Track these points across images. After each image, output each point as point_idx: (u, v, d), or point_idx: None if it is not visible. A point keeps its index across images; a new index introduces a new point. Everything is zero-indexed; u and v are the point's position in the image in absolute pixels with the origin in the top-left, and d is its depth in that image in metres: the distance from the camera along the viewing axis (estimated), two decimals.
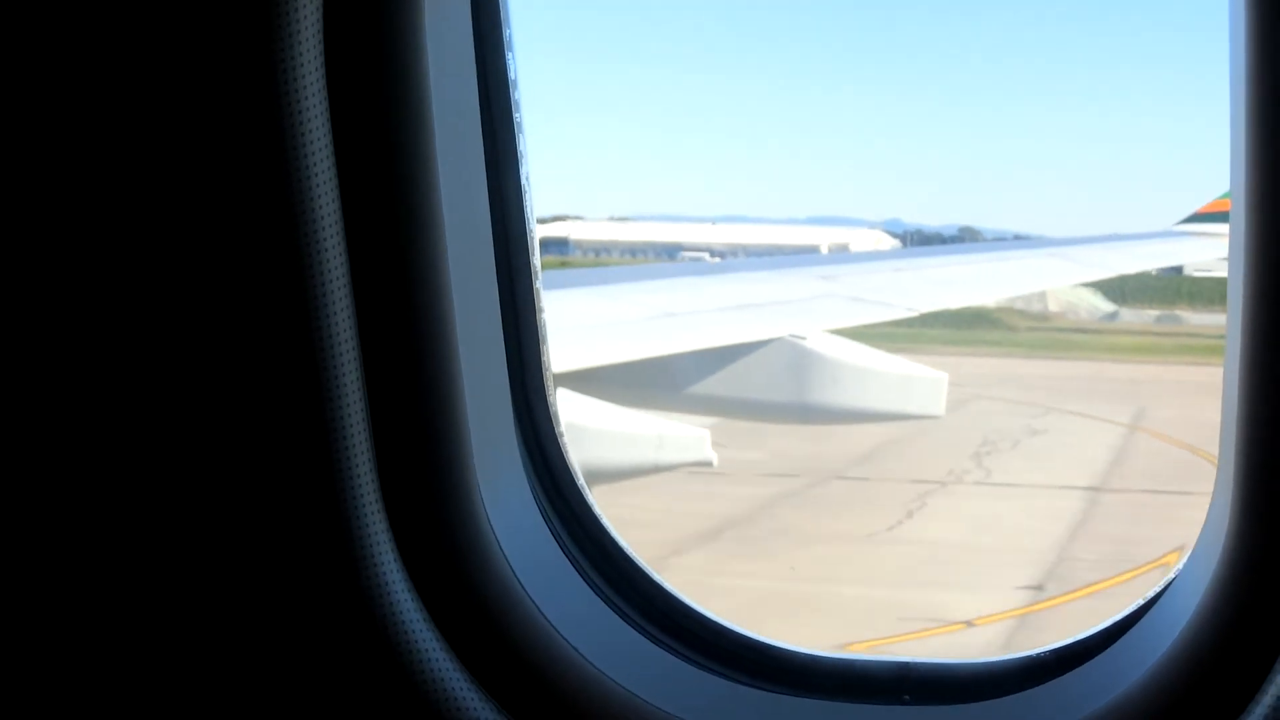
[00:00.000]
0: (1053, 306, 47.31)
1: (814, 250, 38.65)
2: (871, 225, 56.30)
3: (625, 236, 55.40)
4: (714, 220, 58.02)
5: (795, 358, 15.79)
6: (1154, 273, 47.24)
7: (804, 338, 15.86)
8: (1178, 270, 44.54)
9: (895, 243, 46.88)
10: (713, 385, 15.62)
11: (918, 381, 16.94)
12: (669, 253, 48.88)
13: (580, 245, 54.30)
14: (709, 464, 16.04)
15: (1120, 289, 48.82)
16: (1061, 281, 28.98)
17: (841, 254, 33.44)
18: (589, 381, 13.39)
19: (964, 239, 46.75)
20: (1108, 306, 48.11)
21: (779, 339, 15.71)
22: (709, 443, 15.63)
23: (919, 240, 49.10)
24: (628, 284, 17.12)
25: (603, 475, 13.02)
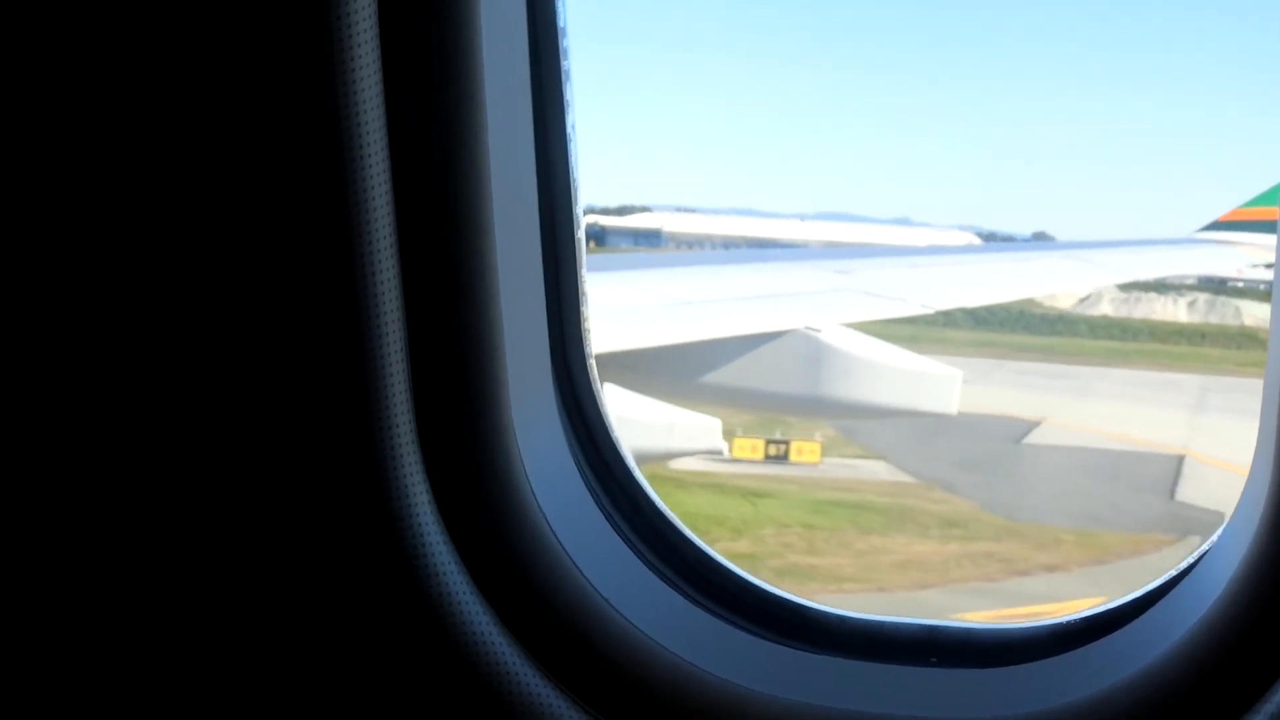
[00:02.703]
0: (1248, 322, 46.38)
1: (907, 248, 38.39)
2: (879, 222, 55.85)
3: (719, 230, 55.45)
4: (801, 217, 57.78)
5: (809, 350, 15.73)
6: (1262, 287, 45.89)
7: (819, 330, 15.79)
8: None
9: (979, 243, 46.45)
10: (725, 375, 15.63)
11: (931, 378, 16.73)
12: (761, 247, 48.82)
13: (673, 238, 54.44)
14: (719, 453, 16.06)
15: None
16: (1079, 285, 28.35)
17: (857, 248, 32.68)
18: (600, 367, 13.45)
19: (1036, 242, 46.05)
20: None
21: (793, 331, 15.66)
22: (719, 432, 15.68)
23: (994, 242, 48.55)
24: (644, 271, 17.15)
25: None
